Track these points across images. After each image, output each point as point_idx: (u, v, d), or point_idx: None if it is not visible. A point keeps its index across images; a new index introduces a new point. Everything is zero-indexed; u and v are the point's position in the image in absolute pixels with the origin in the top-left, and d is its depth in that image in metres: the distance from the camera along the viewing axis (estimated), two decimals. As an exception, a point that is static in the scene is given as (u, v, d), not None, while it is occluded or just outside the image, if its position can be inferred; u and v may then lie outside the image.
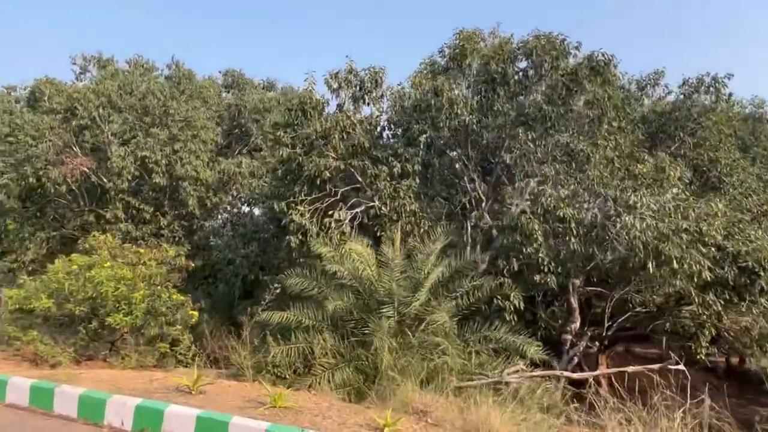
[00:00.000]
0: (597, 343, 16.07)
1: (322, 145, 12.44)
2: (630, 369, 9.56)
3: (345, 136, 12.25)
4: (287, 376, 9.56)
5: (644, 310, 15.22)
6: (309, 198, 12.62)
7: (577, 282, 13.09)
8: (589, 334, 15.09)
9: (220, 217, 18.23)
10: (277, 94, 20.79)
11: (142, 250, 12.71)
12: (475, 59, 13.09)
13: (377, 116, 12.74)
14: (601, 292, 14.42)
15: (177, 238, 17.54)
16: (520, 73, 12.21)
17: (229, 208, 17.87)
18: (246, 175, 17.66)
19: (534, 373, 9.17)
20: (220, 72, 22.46)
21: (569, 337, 14.16)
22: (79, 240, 20.51)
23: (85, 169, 17.29)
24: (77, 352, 10.40)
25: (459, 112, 11.50)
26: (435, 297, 10.47)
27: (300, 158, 12.18)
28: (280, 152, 12.26)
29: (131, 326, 10.37)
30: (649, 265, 10.02)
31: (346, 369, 9.43)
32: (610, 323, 14.88)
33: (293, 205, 12.44)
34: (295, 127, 12.70)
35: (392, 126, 12.92)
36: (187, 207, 17.61)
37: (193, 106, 18.26)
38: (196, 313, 11.49)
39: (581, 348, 14.41)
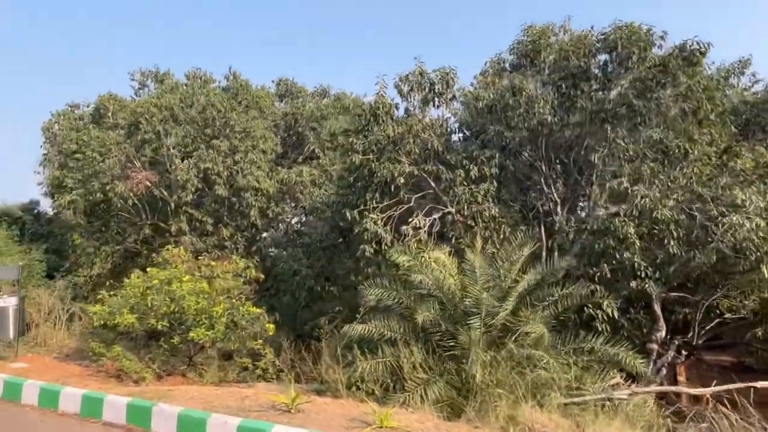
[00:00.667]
0: (684, 353, 15.17)
1: (393, 150, 12.14)
2: (759, 384, 8.77)
3: (417, 141, 11.92)
4: (375, 392, 9.25)
5: (735, 316, 14.30)
6: (380, 205, 12.34)
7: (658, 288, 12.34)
8: (677, 342, 14.23)
9: (281, 227, 18.17)
10: (332, 101, 20.68)
11: (213, 263, 12.73)
12: (550, 54, 12.59)
13: (448, 119, 12.39)
14: (684, 298, 13.58)
15: (238, 250, 17.59)
16: (602, 67, 11.63)
17: (290, 217, 17.79)
18: (307, 184, 17.57)
19: (648, 389, 8.54)
20: (273, 81, 22.58)
21: (655, 346, 13.33)
22: (141, 254, 21.05)
23: (148, 182, 17.56)
24: (159, 367, 10.41)
25: (540, 110, 11.01)
26: (523, 306, 9.98)
27: (372, 164, 11.91)
28: (352, 159, 12.03)
29: (212, 341, 10.29)
30: (764, 267, 9.26)
31: (438, 384, 9.04)
32: (696, 331, 14.01)
33: (365, 213, 12.18)
34: (366, 132, 12.45)
35: (464, 128, 12.54)
36: (248, 218, 17.65)
37: (252, 116, 18.34)
38: (272, 326, 11.34)
39: (669, 358, 13.59)
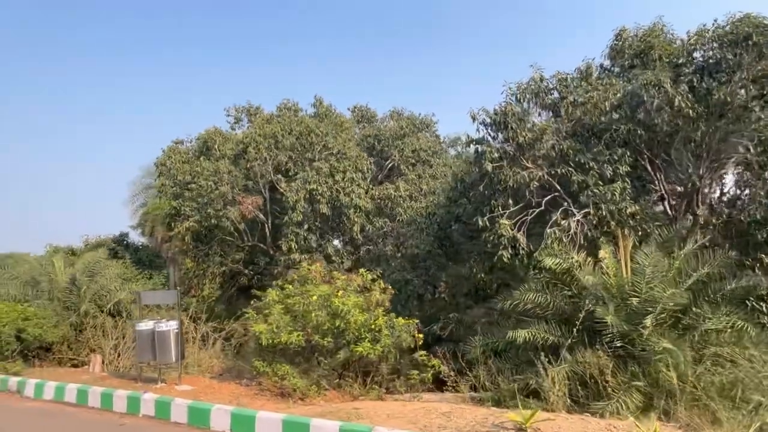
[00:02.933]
0: None
1: (522, 155, 10.87)
2: None
3: (548, 145, 10.63)
4: (564, 401, 7.83)
5: None
6: (506, 211, 11.05)
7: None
8: None
9: (380, 240, 16.98)
10: (405, 121, 19.52)
11: (343, 276, 11.57)
12: (665, 51, 11.27)
13: (573, 122, 11.06)
14: None
15: (344, 263, 16.47)
16: (736, 57, 10.19)
17: (389, 230, 16.60)
18: (405, 197, 16.40)
19: None
20: (348, 108, 21.61)
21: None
22: (243, 273, 20.15)
23: (255, 206, 16.65)
24: (329, 384, 9.20)
25: (682, 104, 9.63)
26: (701, 301, 8.51)
27: (504, 171, 10.65)
28: (483, 166, 10.78)
29: (380, 355, 9.03)
30: None
31: (633, 390, 7.60)
32: None
33: (496, 218, 10.88)
34: (492, 140, 11.24)
35: (589, 130, 11.20)
36: (350, 233, 16.53)
37: (346, 138, 17.33)
38: (421, 335, 10.05)
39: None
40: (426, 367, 9.18)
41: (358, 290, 10.37)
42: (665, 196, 11.00)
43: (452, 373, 8.79)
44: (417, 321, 9.79)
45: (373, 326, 9.26)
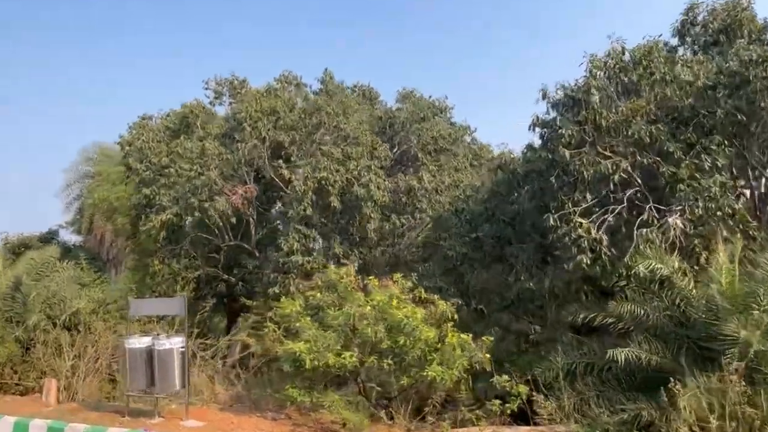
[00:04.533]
0: None
1: (601, 142, 10.18)
2: None
3: (633, 130, 9.96)
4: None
5: None
6: (579, 207, 10.34)
7: None
8: None
9: (398, 241, 15.98)
10: (420, 103, 18.59)
11: (376, 283, 10.54)
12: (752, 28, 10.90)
13: (656, 104, 10.44)
14: None
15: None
16: None
17: (413, 229, 15.63)
18: (430, 190, 15.48)
19: None
20: (348, 88, 20.46)
21: None
22: (219, 278, 18.62)
23: (250, 196, 15.31)
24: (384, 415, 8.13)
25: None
26: None
27: (583, 159, 9.91)
28: (559, 153, 9.99)
29: (452, 380, 8.02)
30: None
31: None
32: None
33: (570, 216, 10.14)
34: (558, 122, 10.49)
35: (674, 113, 10.62)
36: (364, 232, 15.46)
37: (358, 120, 16.26)
38: (488, 356, 9.11)
39: None
40: (511, 396, 8.24)
41: (420, 301, 9.36)
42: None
43: (543, 401, 7.90)
44: (491, 339, 8.83)
45: (439, 345, 8.27)
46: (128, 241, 22.53)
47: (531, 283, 12.40)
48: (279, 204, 20.69)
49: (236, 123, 15.60)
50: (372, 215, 15.14)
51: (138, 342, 8.91)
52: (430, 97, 19.28)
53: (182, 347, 8.64)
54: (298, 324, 9.87)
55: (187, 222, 16.11)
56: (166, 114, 18.10)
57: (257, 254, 18.26)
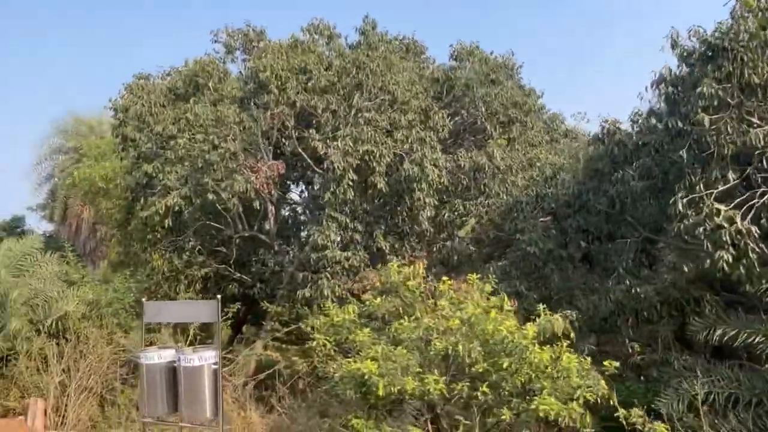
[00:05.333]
0: None
1: (747, 105, 9.46)
2: None
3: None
4: None
5: None
6: (715, 190, 9.66)
7: None
8: None
9: (458, 231, 15.43)
10: (493, 64, 17.91)
11: (450, 283, 10.04)
12: None
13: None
14: None
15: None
16: None
17: (477, 217, 15.05)
18: (504, 169, 14.88)
19: None
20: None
21: None
22: (231, 278, 18.29)
23: (277, 174, 14.89)
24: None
25: None
26: None
27: (726, 126, 9.21)
28: (696, 118, 9.28)
29: (572, 417, 7.47)
30: None
31: None
32: None
33: (704, 200, 9.48)
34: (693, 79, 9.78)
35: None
36: (417, 222, 14.94)
37: (409, 80, 15.66)
38: (603, 381, 8.53)
39: None
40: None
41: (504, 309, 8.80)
42: None
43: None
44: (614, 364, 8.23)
45: (548, 369, 7.73)
46: (117, 230, 22.30)
47: (636, 288, 11.86)
48: (302, 185, 20.38)
49: (257, 84, 15.10)
50: (426, 200, 14.58)
51: (157, 356, 8.49)
52: (491, 52, 18.59)
53: (215, 364, 8.21)
54: (351, 337, 9.47)
55: (190, 207, 15.72)
56: (167, 73, 17.69)
57: (275, 248, 17.90)
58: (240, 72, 18.28)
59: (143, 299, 9.05)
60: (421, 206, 14.62)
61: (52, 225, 37.81)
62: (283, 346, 15.30)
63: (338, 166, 13.78)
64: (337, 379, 8.73)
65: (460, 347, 7.65)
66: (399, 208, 15.32)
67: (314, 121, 15.36)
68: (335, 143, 14.16)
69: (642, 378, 12.53)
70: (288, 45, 16.26)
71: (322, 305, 14.33)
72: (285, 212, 20.37)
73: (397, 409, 8.63)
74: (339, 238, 14.83)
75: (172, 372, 8.51)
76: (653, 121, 12.31)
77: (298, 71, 15.04)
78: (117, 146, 16.83)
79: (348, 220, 14.83)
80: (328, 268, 14.80)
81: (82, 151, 29.17)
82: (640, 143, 11.74)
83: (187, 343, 11.92)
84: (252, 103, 15.57)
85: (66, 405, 12.16)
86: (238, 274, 18.06)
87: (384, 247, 14.99)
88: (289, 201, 20.43)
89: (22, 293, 13.22)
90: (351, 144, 13.95)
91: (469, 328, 7.98)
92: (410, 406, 8.71)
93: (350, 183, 14.01)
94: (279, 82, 14.48)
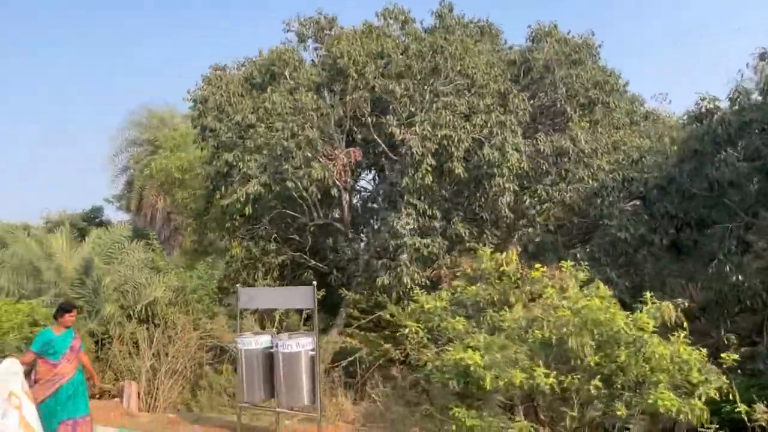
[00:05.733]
0: None
1: None
2: None
3: None
4: None
5: None
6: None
7: None
8: None
9: (541, 218, 14.88)
10: (573, 45, 17.12)
11: (544, 271, 9.58)
12: None
13: None
14: None
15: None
16: None
17: (561, 201, 14.47)
18: (589, 153, 14.24)
19: None
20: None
21: None
22: (306, 266, 18.32)
23: (355, 161, 14.75)
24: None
25: None
26: None
27: None
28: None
29: (694, 414, 6.94)
30: None
31: None
32: None
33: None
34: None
35: None
36: (495, 209, 14.48)
37: (488, 63, 15.18)
38: (723, 376, 7.90)
39: None
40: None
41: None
42: None
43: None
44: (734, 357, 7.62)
45: (667, 363, 7.20)
46: (193, 219, 22.75)
47: (738, 276, 11.13)
48: (372, 171, 20.19)
49: (335, 71, 14.94)
50: (506, 185, 14.10)
51: (254, 342, 8.49)
52: (569, 32, 17.79)
53: (312, 350, 8.12)
54: (443, 324, 9.18)
55: (269, 195, 15.75)
56: (242, 63, 17.78)
57: (350, 236, 17.81)
58: (312, 60, 18.22)
59: (239, 286, 9.08)
60: (500, 192, 14.14)
61: (128, 215, 39.07)
62: (362, 333, 15.17)
63: (417, 151, 13.46)
64: (433, 369, 8.48)
65: (572, 339, 7.23)
66: (477, 194, 14.91)
67: (390, 107, 15.08)
68: (413, 128, 13.86)
69: (739, 371, 11.81)
70: (362, 31, 16.02)
71: (402, 292, 14.22)
72: (356, 200, 20.27)
73: (487, 398, 8.30)
74: (417, 225, 14.55)
75: (269, 357, 8.50)
76: (757, 97, 11.50)
77: (375, 56, 14.80)
78: (197, 136, 17.00)
79: (426, 207, 14.55)
80: (406, 255, 14.57)
81: (158, 143, 29.85)
82: (744, 122, 10.93)
83: (274, 329, 11.91)
84: (328, 90, 15.42)
85: (157, 388, 12.37)
86: (313, 262, 18.04)
87: (463, 234, 14.62)
88: (360, 188, 20.31)
89: (113, 280, 13.52)
90: (429, 129, 13.61)
91: (578, 317, 7.54)
92: (498, 396, 8.38)
93: (428, 168, 13.69)
94: (357, 68, 14.27)
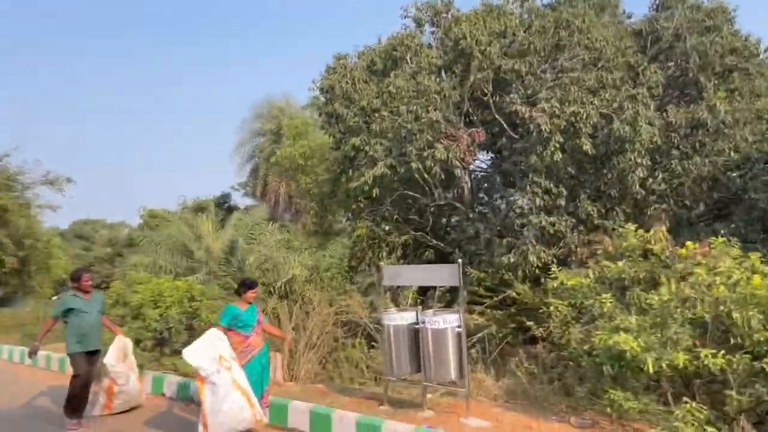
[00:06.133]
0: None
1: None
2: None
3: None
4: None
5: None
6: None
7: None
8: None
9: (673, 194, 13.80)
10: (705, 11, 15.62)
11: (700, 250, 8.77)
12: None
13: None
14: None
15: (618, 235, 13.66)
16: None
17: (697, 176, 13.31)
18: (730, 123, 12.98)
19: None
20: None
21: None
22: (426, 245, 18.23)
23: (479, 141, 14.34)
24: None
25: None
26: None
27: None
28: None
29: None
30: None
31: None
32: None
33: None
34: None
35: None
36: (624, 185, 13.56)
37: (615, 35, 14.17)
38: None
39: None
40: None
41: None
42: None
43: None
44: None
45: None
46: (315, 203, 23.34)
47: None
48: (488, 153, 19.65)
49: (457, 52, 14.56)
50: (638, 161, 13.17)
51: (400, 318, 8.48)
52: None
53: (458, 327, 7.96)
54: (589, 302, 8.73)
55: (395, 176, 15.70)
56: (362, 52, 17.81)
57: (470, 216, 17.46)
58: (429, 44, 17.93)
59: (383, 264, 9.13)
60: (631, 168, 13.25)
61: (253, 200, 41.02)
62: (487, 310, 14.87)
63: (545, 129, 12.87)
64: (581, 351, 8.10)
65: (737, 313, 6.58)
66: (604, 171, 14.07)
67: (512, 86, 14.51)
68: (539, 106, 13.25)
69: None
70: (483, 11, 15.49)
71: (528, 270, 13.76)
72: (472, 180, 19.87)
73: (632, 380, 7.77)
74: (542, 203, 13.96)
75: (414, 333, 8.46)
76: None
77: (497, 35, 14.27)
78: (324, 123, 17.27)
79: (552, 185, 13.92)
80: (532, 234, 14.05)
81: (282, 131, 30.88)
82: None
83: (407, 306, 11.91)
84: (449, 73, 15.09)
85: (299, 360, 12.78)
86: (435, 241, 17.90)
87: (591, 212, 13.86)
88: (478, 168, 19.86)
89: (256, 259, 14.11)
90: (558, 105, 12.95)
91: (737, 293, 6.85)
92: (645, 378, 7.82)
93: (557, 146, 13.05)
94: (480, 48, 13.82)
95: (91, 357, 8.99)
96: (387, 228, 17.87)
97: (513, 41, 14.13)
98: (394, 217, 18.10)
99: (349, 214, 18.33)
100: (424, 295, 14.73)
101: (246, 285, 8.16)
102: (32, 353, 9.13)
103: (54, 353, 14.14)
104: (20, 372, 14.41)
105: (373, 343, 13.13)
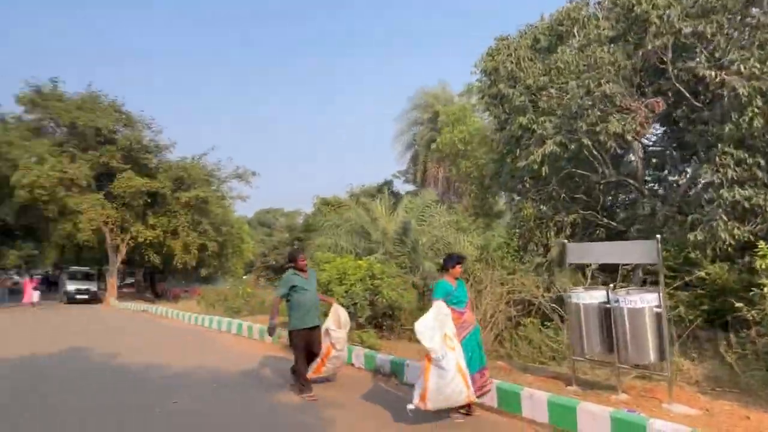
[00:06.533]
0: None
1: None
2: None
3: None
4: None
5: None
6: None
7: None
8: None
9: None
10: None
11: None
12: None
13: None
14: None
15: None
16: None
17: None
18: None
19: None
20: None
21: None
22: (598, 225, 17.06)
23: (658, 112, 12.97)
24: None
25: None
26: None
27: None
28: None
29: None
30: None
31: None
32: None
33: None
34: None
35: None
36: None
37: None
38: None
39: None
40: None
41: None
42: None
43: None
44: None
45: None
46: (478, 185, 23.01)
47: None
48: (660, 126, 17.80)
49: (629, 20, 13.29)
50: None
51: (589, 297, 7.93)
52: None
53: (658, 307, 7.24)
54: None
55: (565, 154, 14.80)
56: (524, 31, 17.03)
57: (646, 192, 15.97)
58: (593, 14, 16.63)
59: (567, 242, 8.59)
60: None
61: (413, 186, 41.73)
62: (672, 291, 13.56)
63: (742, 92, 11.25)
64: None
65: None
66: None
67: (696, 50, 12.90)
68: (733, 68, 11.61)
69: None
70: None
71: (720, 249, 12.23)
72: (643, 154, 18.17)
73: None
74: (734, 176, 12.28)
75: (604, 312, 7.88)
76: None
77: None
78: (488, 104, 16.82)
79: (745, 155, 12.18)
80: (722, 209, 12.43)
81: (438, 119, 30.90)
82: None
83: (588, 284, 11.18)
84: (619, 42, 13.83)
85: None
86: (605, 220, 16.69)
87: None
88: (651, 142, 18.12)
89: (428, 239, 14.19)
90: (758, 65, 11.24)
91: None
92: None
93: (755, 111, 11.36)
94: (658, 12, 12.46)
95: (311, 332, 9.25)
96: (555, 207, 17.01)
97: (696, 1, 12.52)
98: (561, 197, 17.17)
99: (514, 195, 17.74)
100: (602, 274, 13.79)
101: (454, 260, 7.63)
102: (272, 331, 9.18)
103: (255, 324, 15.50)
104: (226, 340, 16.02)
105: (546, 323, 12.57)
